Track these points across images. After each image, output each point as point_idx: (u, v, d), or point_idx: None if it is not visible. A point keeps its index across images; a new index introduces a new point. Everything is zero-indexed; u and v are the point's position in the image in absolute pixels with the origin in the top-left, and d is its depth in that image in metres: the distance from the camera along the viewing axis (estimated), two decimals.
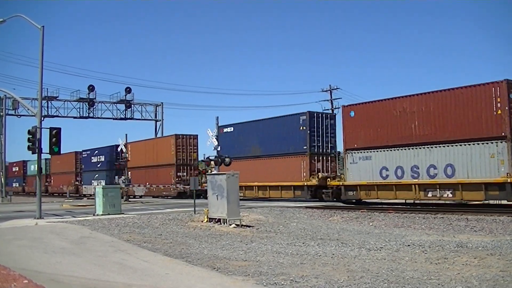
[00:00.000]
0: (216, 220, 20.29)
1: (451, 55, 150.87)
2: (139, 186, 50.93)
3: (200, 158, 44.25)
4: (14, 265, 9.69)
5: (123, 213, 25.14)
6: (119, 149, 50.15)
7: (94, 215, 24.72)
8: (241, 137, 38.82)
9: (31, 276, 8.06)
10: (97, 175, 58.56)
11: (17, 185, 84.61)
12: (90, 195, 54.58)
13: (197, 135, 47.75)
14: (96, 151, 60.04)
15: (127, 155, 45.07)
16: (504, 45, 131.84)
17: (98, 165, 58.85)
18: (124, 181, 43.73)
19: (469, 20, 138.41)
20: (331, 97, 55.56)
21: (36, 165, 56.49)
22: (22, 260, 11.80)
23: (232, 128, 39.72)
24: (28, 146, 23.05)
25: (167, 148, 47.49)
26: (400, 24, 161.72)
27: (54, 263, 11.59)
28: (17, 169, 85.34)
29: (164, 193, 47.43)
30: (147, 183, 50.00)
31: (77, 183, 65.88)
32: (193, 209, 24.51)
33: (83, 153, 63.90)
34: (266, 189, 36.47)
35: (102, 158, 58.29)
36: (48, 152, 23.57)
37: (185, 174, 46.14)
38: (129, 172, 45.50)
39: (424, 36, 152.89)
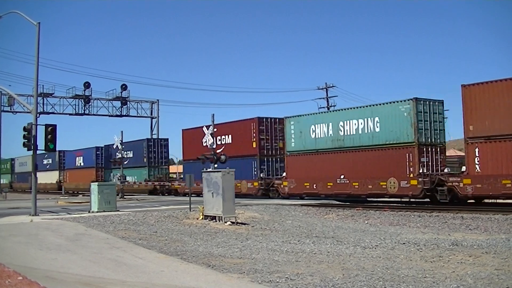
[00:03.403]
0: (212, 217, 20.27)
1: (446, 56, 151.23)
2: None
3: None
4: (9, 262, 9.67)
5: (118, 210, 25.10)
6: (114, 146, 49.82)
7: (89, 212, 24.66)
8: None
9: (26, 272, 8.05)
10: None
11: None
12: None
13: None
14: None
15: (122, 152, 44.88)
16: (503, 46, 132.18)
17: None
18: (119, 178, 43.63)
19: (463, 20, 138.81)
20: (327, 95, 55.72)
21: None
22: (17, 257, 11.77)
23: None
24: (24, 142, 22.96)
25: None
26: (395, 25, 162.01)
27: (49, 259, 11.56)
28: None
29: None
30: None
31: None
32: (188, 206, 24.48)
33: None
34: None
35: None
36: (44, 149, 23.48)
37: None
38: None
39: (418, 37, 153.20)
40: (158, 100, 63.00)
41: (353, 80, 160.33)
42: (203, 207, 21.05)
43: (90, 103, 57.25)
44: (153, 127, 62.88)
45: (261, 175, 36.33)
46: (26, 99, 48.90)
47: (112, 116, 59.44)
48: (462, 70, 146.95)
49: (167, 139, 52.72)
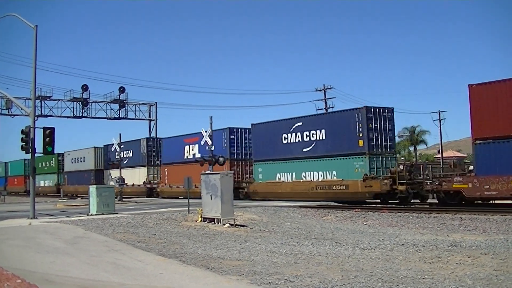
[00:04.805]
0: (210, 219, 20.25)
1: (442, 57, 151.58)
2: None
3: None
4: (7, 265, 9.63)
5: (117, 213, 25.05)
6: (112, 148, 49.73)
7: (88, 215, 24.62)
8: None
9: (24, 275, 8.00)
10: None
11: None
12: None
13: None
14: None
15: (120, 153, 44.87)
16: (503, 46, 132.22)
17: None
18: (118, 181, 43.58)
19: (462, 21, 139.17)
20: (325, 97, 55.60)
21: None
22: (15, 260, 11.74)
23: None
24: (22, 146, 22.92)
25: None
26: (393, 27, 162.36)
27: (48, 262, 11.54)
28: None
29: None
30: None
31: None
32: (187, 208, 24.46)
33: None
34: None
35: None
36: (42, 152, 23.44)
37: None
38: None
39: (417, 39, 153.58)
40: (156, 102, 63.10)
41: (350, 82, 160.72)
42: (201, 210, 21.04)
43: (88, 106, 57.26)
44: (151, 130, 62.92)
45: None
46: (24, 102, 48.86)
47: (110, 118, 59.44)
48: (461, 71, 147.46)
49: (392, 108, 30.59)
